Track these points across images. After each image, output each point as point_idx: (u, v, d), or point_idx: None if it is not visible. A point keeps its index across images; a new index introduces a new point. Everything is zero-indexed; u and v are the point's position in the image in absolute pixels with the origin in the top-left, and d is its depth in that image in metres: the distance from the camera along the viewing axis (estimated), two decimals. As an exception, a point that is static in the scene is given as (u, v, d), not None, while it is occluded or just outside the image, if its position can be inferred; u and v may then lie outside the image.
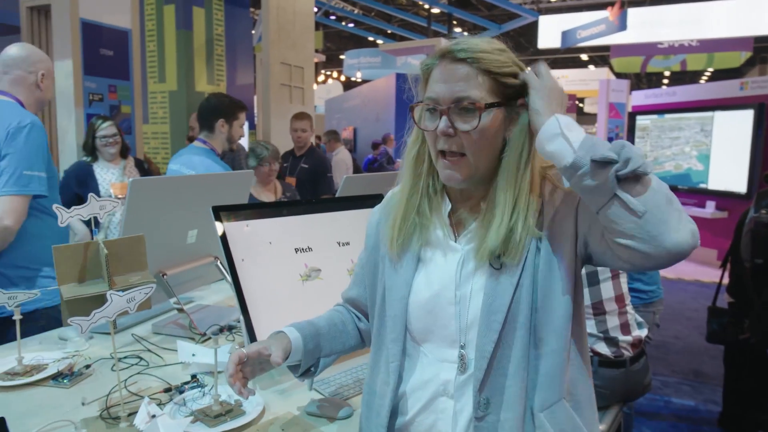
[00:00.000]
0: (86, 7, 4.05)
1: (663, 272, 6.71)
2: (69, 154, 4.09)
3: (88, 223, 1.55)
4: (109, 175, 3.31)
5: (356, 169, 6.14)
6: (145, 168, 3.63)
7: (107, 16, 4.22)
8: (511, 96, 0.96)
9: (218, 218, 1.42)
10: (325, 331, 1.18)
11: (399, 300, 1.04)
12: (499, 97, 0.95)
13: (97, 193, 3.20)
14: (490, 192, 0.99)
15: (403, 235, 1.05)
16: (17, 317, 1.34)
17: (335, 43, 21.41)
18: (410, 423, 1.03)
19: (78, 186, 3.19)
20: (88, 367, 1.45)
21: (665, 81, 21.68)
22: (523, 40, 19.28)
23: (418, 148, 1.05)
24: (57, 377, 1.38)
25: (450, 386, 0.98)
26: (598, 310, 1.88)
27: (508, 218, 0.95)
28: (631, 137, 7.84)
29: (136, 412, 1.15)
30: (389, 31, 18.39)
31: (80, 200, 2.46)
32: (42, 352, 1.55)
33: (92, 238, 1.36)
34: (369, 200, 1.77)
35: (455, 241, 1.02)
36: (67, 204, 3.03)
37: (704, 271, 6.56)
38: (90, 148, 3.30)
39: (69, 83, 4.04)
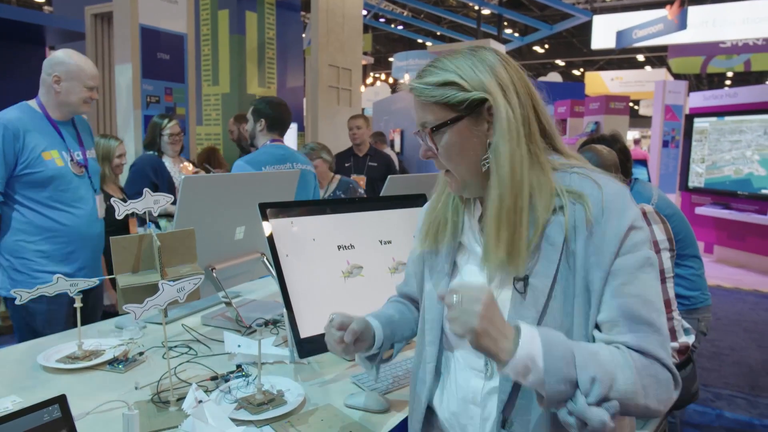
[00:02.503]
0: (145, 13, 4.25)
1: (719, 281, 6.41)
2: (128, 153, 4.29)
3: (142, 217, 1.60)
4: (176, 171, 3.50)
5: (402, 171, 6.17)
6: (209, 170, 3.80)
7: (164, 21, 4.41)
8: (472, 105, 0.94)
9: (264, 215, 1.47)
10: (396, 318, 1.21)
11: (436, 304, 1.06)
12: (455, 112, 0.95)
13: (171, 184, 3.38)
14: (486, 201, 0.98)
15: (434, 232, 1.08)
16: (78, 305, 1.43)
17: (384, 46, 21.52)
18: (445, 423, 1.06)
19: (155, 175, 3.37)
20: (141, 354, 1.54)
21: (727, 82, 20.70)
22: (576, 40, 18.84)
23: None
24: (113, 362, 1.47)
25: (478, 395, 1.00)
26: (644, 316, 1.83)
27: (504, 226, 0.92)
28: (688, 141, 7.54)
29: (184, 398, 1.20)
30: (438, 33, 18.34)
31: (156, 189, 2.50)
32: (100, 338, 1.65)
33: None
34: (411, 200, 1.79)
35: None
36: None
37: (764, 281, 6.23)
38: (157, 145, 3.49)
39: (128, 86, 4.24)
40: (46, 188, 2.16)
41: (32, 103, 2.24)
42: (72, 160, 2.24)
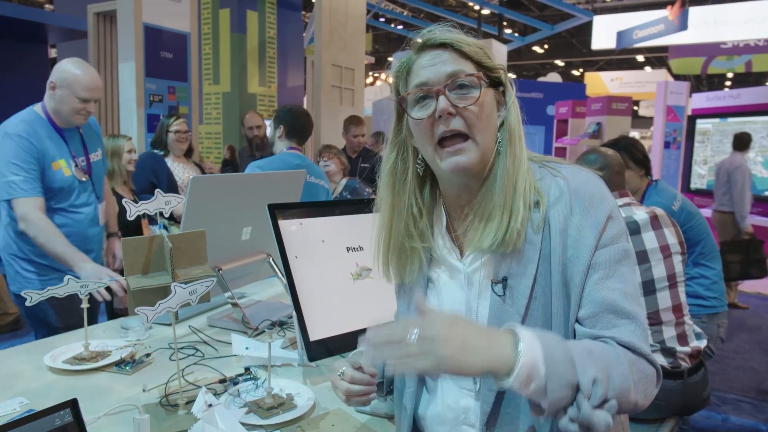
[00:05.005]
0: (149, 12, 4.24)
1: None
2: (131, 152, 4.28)
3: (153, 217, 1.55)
4: (179, 170, 3.46)
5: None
6: (204, 172, 3.78)
7: (168, 20, 4.39)
8: (493, 81, 0.94)
9: (274, 216, 1.46)
10: None
11: None
12: (485, 77, 0.92)
13: (174, 184, 3.35)
14: (486, 184, 0.93)
15: (396, 265, 1.00)
16: (85, 305, 1.42)
17: (384, 45, 21.50)
18: None
19: (153, 174, 3.33)
20: (148, 355, 1.52)
21: (728, 83, 20.70)
22: (576, 41, 18.83)
23: (394, 159, 0.99)
24: (120, 364, 1.46)
25: (471, 415, 0.95)
26: (654, 320, 1.82)
27: (508, 212, 0.88)
28: (690, 142, 7.53)
29: (193, 401, 1.19)
30: (438, 33, 18.32)
31: (154, 188, 2.50)
32: (106, 339, 1.63)
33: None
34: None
35: (460, 259, 0.97)
36: (144, 191, 3.17)
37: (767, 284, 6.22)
38: (164, 143, 3.46)
39: (132, 85, 4.23)
40: (53, 197, 2.14)
41: (38, 108, 2.20)
42: (77, 166, 2.22)
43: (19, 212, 2.01)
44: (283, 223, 1.48)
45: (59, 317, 2.12)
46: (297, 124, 2.82)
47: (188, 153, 3.62)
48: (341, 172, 3.66)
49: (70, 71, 2.13)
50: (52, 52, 9.96)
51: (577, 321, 0.88)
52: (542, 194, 0.90)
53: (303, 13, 10.12)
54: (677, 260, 1.87)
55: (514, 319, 0.88)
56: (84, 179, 2.25)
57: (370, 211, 1.65)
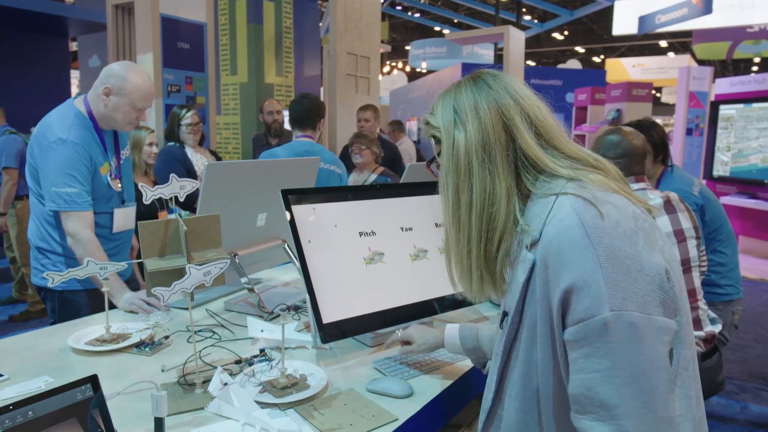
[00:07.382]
0: (166, 3, 4.28)
1: (744, 272, 6.27)
2: (151, 143, 4.34)
3: (166, 202, 1.52)
4: (197, 161, 3.51)
5: (419, 159, 6.16)
6: (220, 159, 3.82)
7: (184, 10, 4.44)
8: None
9: (287, 201, 1.48)
10: (486, 334, 1.28)
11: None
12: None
13: (193, 174, 3.39)
14: None
15: None
16: (105, 289, 1.46)
17: (401, 34, 21.38)
18: None
19: (181, 166, 3.37)
20: (167, 337, 1.56)
21: (754, 68, 20.18)
22: (597, 26, 18.52)
23: None
24: (139, 345, 1.50)
25: None
26: (669, 304, 1.81)
27: (455, 261, 0.97)
28: (713, 128, 7.38)
29: (210, 380, 1.23)
30: (456, 21, 18.16)
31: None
32: (127, 322, 1.68)
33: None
34: (432, 187, 1.78)
35: None
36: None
37: (791, 272, 6.11)
38: (176, 136, 3.48)
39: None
40: (95, 199, 2.02)
41: (80, 105, 2.03)
42: (111, 174, 2.09)
43: (70, 228, 1.90)
44: (296, 209, 1.50)
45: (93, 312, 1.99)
46: (294, 111, 2.90)
47: (200, 142, 3.66)
48: (372, 163, 3.67)
49: (128, 79, 1.97)
50: (73, 45, 10.12)
51: None
52: (537, 234, 0.85)
53: (319, 2, 10.12)
54: (692, 245, 1.85)
55: (503, 351, 0.93)
56: (118, 188, 2.11)
57: (382, 197, 1.67)
